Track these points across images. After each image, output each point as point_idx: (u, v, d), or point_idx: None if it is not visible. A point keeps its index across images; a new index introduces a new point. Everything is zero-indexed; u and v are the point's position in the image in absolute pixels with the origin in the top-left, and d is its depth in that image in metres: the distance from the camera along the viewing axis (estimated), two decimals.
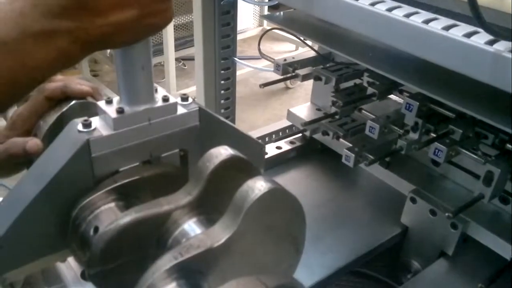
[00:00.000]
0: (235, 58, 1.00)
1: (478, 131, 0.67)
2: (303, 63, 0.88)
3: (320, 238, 0.80)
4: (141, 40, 0.41)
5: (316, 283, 0.72)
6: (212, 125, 0.49)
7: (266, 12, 3.07)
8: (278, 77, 0.89)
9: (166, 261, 0.39)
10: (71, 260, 0.61)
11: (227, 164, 0.47)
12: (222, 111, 1.06)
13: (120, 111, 0.42)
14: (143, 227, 0.44)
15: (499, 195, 0.67)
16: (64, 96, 0.55)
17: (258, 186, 0.42)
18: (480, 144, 0.69)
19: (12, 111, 0.56)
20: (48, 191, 0.40)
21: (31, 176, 0.43)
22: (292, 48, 3.32)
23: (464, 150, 0.68)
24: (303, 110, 1.00)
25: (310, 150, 1.02)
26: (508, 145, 0.64)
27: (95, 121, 0.42)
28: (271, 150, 0.98)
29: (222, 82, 1.02)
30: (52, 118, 0.53)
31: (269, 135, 1.07)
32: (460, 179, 0.80)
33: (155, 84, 0.45)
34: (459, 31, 0.52)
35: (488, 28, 0.45)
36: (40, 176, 0.40)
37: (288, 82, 2.85)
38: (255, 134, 1.05)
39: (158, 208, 0.45)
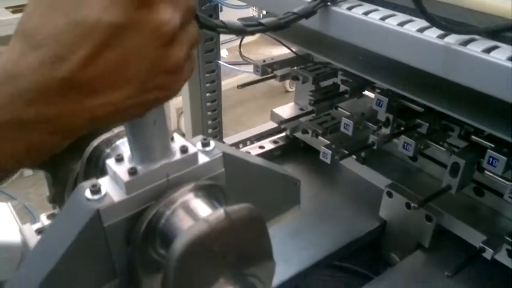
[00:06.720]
0: (219, 61, 1.03)
1: (445, 124, 0.69)
2: (283, 63, 0.91)
3: (300, 232, 0.82)
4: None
5: (294, 275, 0.74)
6: (239, 168, 0.43)
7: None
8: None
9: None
10: None
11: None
12: (209, 113, 1.08)
13: (132, 172, 0.35)
14: None
15: (466, 185, 0.69)
16: None
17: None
18: (450, 137, 0.71)
19: None
20: (59, 269, 0.34)
21: (38, 253, 0.36)
22: None
23: (432, 143, 0.70)
24: (286, 110, 1.02)
25: (293, 149, 1.03)
26: (473, 137, 0.66)
27: (105, 184, 0.36)
28: (254, 150, 1.00)
29: (207, 85, 1.04)
30: None
31: (257, 136, 1.09)
32: (435, 172, 0.82)
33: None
34: (414, 26, 0.53)
35: (433, 21, 0.47)
36: (48, 254, 0.34)
37: (287, 85, 2.87)
38: (240, 136, 1.07)
39: None
